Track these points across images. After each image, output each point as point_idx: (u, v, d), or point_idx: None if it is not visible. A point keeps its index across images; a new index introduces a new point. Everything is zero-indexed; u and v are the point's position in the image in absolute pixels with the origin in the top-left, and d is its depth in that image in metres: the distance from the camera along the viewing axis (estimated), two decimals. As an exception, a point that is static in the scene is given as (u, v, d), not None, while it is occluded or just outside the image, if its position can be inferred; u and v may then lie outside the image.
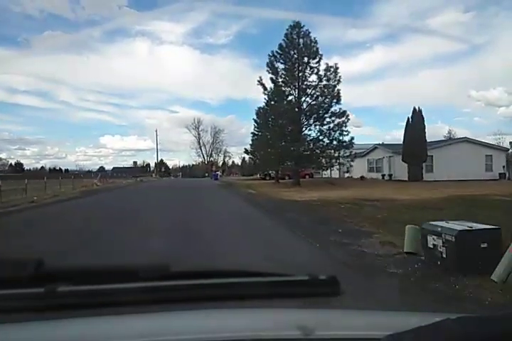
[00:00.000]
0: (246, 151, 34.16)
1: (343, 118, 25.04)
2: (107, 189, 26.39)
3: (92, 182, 30.42)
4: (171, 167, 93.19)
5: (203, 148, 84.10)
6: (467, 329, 0.67)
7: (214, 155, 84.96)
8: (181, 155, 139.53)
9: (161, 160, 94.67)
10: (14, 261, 0.79)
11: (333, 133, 25.14)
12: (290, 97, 25.91)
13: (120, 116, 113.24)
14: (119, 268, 0.84)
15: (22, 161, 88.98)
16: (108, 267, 0.84)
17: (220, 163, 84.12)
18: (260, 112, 29.89)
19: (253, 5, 61.56)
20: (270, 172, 37.03)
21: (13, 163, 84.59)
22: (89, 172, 78.05)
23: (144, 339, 0.86)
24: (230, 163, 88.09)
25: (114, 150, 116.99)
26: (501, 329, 0.66)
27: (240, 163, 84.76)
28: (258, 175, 45.06)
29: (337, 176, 36.03)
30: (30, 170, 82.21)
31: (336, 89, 24.79)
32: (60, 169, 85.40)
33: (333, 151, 24.95)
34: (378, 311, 1.53)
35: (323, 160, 25.49)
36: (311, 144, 25.60)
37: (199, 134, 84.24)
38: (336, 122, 25.14)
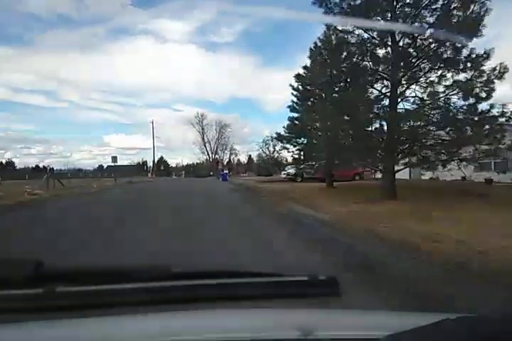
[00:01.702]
0: (278, 137, 20.37)
1: (484, 66, 11.34)
2: (36, 203, 15.03)
3: (41, 185, 20.47)
4: (174, 165, 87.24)
5: (207, 144, 77.87)
6: (467, 329, 0.67)
7: (219, 152, 78.85)
8: (186, 154, 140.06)
9: (161, 158, 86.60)
10: (13, 261, 0.79)
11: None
12: (376, 30, 12.21)
13: (124, 115, 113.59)
14: (118, 269, 0.85)
15: (27, 160, 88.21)
16: (108, 268, 0.85)
17: (225, 161, 78.30)
18: (314, 62, 16.17)
19: (257, 3, 59.70)
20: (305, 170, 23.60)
21: (3, 162, 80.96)
22: (80, 170, 72.20)
23: (144, 340, 0.84)
24: (236, 161, 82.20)
25: (119, 148, 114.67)
26: (501, 329, 0.66)
27: (245, 162, 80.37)
28: (283, 175, 31.59)
29: (403, 176, 21.94)
30: (17, 168, 78.90)
31: (476, 10, 11.13)
32: (45, 168, 75.19)
33: (471, 129, 11.33)
34: (378, 311, 1.52)
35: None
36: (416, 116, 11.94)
37: (203, 129, 77.55)
38: (472, 74, 11.43)
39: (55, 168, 77.51)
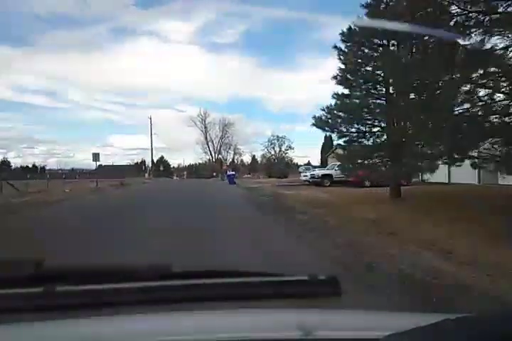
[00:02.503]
0: (316, 122, 13.62)
1: None
2: None
3: None
4: (176, 166, 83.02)
5: (210, 143, 72.74)
6: (467, 330, 0.67)
7: (223, 152, 74.12)
8: (188, 154, 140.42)
9: (161, 158, 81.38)
10: (13, 260, 0.79)
11: None
12: None
13: (128, 115, 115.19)
14: (118, 268, 0.85)
15: (30, 159, 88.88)
16: (108, 267, 0.85)
17: (229, 162, 73.76)
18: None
19: (260, 4, 61.99)
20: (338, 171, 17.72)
21: (-1, 161, 79.12)
22: (73, 170, 69.24)
23: (144, 340, 0.86)
24: (239, 161, 77.86)
25: (122, 149, 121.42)
26: (501, 329, 0.66)
27: (248, 162, 76.76)
28: (303, 177, 25.66)
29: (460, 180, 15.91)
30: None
31: None
32: (35, 167, 75.87)
33: None
34: (378, 311, 1.46)
35: None
36: None
37: (206, 128, 72.32)
38: None
39: (50, 168, 73.51)
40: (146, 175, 56.22)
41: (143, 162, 73.55)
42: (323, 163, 48.17)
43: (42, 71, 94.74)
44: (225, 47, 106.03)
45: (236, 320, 1.00)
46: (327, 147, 47.51)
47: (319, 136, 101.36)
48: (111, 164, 76.87)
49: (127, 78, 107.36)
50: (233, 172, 38.30)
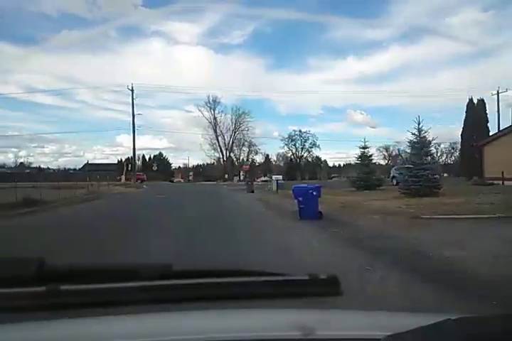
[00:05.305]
0: None
1: None
2: None
3: None
4: (181, 166, 72.79)
5: (220, 138, 59.82)
6: (467, 330, 0.67)
7: (235, 149, 61.51)
8: (196, 155, 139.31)
9: (159, 154, 68.19)
10: (16, 260, 0.80)
11: None
12: None
13: (136, 116, 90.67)
14: (121, 268, 0.86)
15: (41, 159, 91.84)
16: (110, 266, 0.87)
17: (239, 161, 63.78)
18: None
19: (268, 5, 60.43)
20: None
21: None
22: (67, 170, 62.86)
23: (145, 339, 0.87)
24: (250, 161, 68.82)
25: (131, 149, 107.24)
26: (501, 329, 0.66)
27: (261, 162, 69.79)
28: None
29: None
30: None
31: None
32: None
33: None
34: (378, 311, 1.47)
35: None
36: None
37: (215, 119, 59.42)
38: None
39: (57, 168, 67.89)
40: (123, 177, 36.08)
41: (128, 159, 52.89)
42: (468, 158, 24.62)
43: (53, 71, 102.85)
44: (232, 49, 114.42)
45: (236, 320, 1.01)
46: (480, 130, 24.71)
47: (326, 137, 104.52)
48: (99, 162, 66.79)
49: (136, 78, 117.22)
50: (318, 185, 15.07)
